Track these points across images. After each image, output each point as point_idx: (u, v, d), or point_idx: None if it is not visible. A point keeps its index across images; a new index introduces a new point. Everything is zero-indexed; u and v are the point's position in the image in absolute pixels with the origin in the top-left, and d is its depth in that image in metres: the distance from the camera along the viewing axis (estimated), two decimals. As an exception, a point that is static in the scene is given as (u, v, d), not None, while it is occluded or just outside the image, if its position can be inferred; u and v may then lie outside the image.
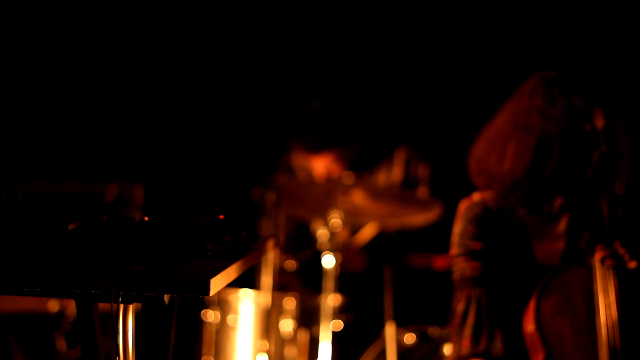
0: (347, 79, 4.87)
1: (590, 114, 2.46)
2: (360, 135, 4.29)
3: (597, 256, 2.42)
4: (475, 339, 2.46)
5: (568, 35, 4.51)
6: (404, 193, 3.92)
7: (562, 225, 2.56)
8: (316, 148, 4.14)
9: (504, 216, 2.56)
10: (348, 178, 3.94)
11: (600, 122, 2.47)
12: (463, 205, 2.62)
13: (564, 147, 2.45)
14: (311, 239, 3.93)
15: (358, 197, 3.68)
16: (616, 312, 2.36)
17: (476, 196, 2.60)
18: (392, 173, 4.19)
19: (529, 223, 2.56)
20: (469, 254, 2.54)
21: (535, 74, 2.57)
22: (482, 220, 2.56)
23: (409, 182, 4.15)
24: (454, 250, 2.59)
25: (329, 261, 3.64)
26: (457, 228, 2.60)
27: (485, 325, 2.47)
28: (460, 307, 2.51)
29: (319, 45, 4.94)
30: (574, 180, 2.48)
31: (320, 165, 4.17)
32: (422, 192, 4.11)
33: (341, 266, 3.74)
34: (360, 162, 4.21)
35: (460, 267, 2.55)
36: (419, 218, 3.89)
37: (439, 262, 4.02)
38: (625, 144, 2.53)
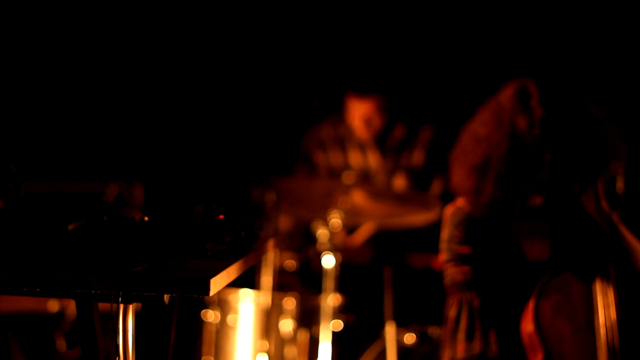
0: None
1: (531, 141, 2.45)
2: (401, 89, 4.37)
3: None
4: (469, 342, 2.46)
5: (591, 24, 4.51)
6: (406, 193, 3.93)
7: (547, 221, 2.56)
8: (363, 90, 4.21)
9: (489, 219, 2.56)
10: (348, 178, 3.94)
11: (543, 150, 2.44)
12: (448, 211, 2.62)
13: (500, 171, 2.45)
14: (312, 238, 3.93)
15: (358, 197, 3.68)
16: (615, 313, 2.36)
17: (460, 201, 2.61)
18: (414, 155, 4.24)
19: (514, 223, 2.56)
20: (458, 259, 2.55)
21: (512, 81, 2.56)
22: (467, 224, 2.56)
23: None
24: (443, 256, 2.60)
25: (329, 261, 3.64)
26: (444, 234, 2.60)
27: (478, 328, 2.47)
28: (452, 312, 2.52)
29: (322, 43, 4.94)
30: (515, 203, 2.49)
31: (363, 113, 4.22)
32: (436, 184, 4.14)
33: (345, 259, 3.76)
34: (388, 133, 4.26)
35: (450, 272, 2.56)
36: (419, 218, 3.89)
37: (439, 262, 4.02)
38: (594, 151, 2.48)
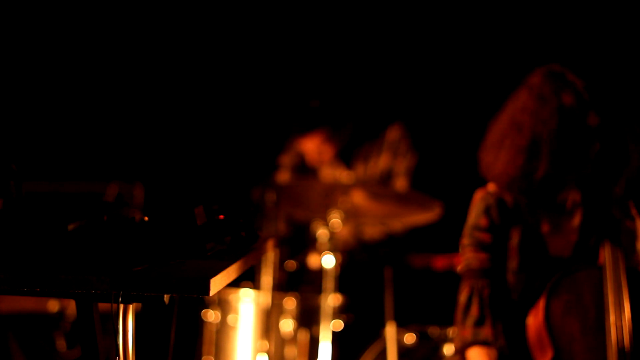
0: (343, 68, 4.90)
1: (582, 113, 2.45)
2: (348, 115, 4.39)
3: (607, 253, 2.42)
4: (477, 328, 2.47)
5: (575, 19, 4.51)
6: (404, 193, 3.92)
7: (577, 219, 2.55)
8: (303, 129, 4.25)
9: (518, 208, 2.55)
10: (348, 178, 3.94)
11: (593, 120, 2.45)
12: (478, 195, 2.60)
13: (553, 148, 2.45)
14: (311, 239, 3.93)
15: (358, 197, 3.68)
16: (626, 313, 2.36)
17: (492, 186, 2.59)
18: (381, 155, 4.23)
19: (544, 216, 2.55)
20: (477, 245, 2.54)
21: (538, 68, 2.57)
22: (494, 211, 2.55)
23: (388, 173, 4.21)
24: (464, 239, 2.59)
25: (329, 261, 3.64)
26: (470, 218, 2.59)
27: (488, 317, 2.47)
28: (463, 297, 2.52)
29: (320, 42, 4.94)
30: (571, 178, 2.49)
31: (311, 147, 4.28)
32: (400, 184, 4.12)
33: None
34: (353, 145, 4.28)
35: (467, 257, 2.55)
36: (419, 218, 3.89)
37: (439, 262, 4.03)
38: (631, 143, 2.50)
